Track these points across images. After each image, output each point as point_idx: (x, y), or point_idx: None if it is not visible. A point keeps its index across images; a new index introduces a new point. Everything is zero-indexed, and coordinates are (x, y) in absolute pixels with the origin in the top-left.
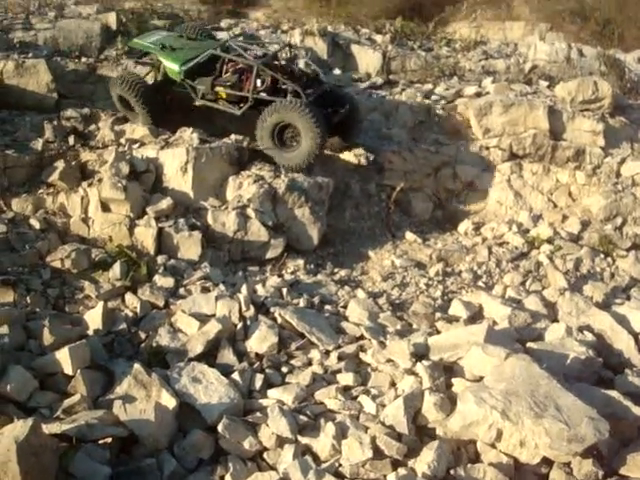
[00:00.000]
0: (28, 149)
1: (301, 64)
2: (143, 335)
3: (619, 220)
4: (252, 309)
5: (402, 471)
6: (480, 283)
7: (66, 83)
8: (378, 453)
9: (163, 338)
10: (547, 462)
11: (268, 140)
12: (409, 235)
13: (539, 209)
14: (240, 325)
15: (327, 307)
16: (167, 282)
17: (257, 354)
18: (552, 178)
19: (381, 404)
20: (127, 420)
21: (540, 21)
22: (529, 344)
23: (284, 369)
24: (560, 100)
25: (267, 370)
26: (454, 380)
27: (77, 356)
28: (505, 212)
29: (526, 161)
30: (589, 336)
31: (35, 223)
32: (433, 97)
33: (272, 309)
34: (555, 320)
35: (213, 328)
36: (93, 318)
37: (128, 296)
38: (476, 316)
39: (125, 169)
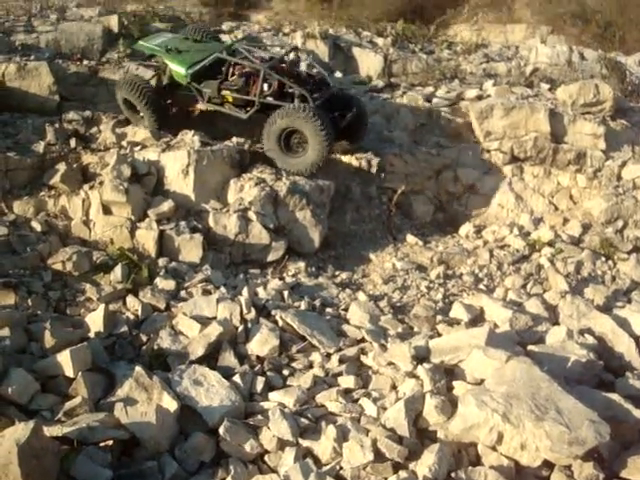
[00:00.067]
0: (30, 151)
1: (305, 67)
2: (144, 338)
3: (620, 223)
4: (253, 312)
5: (403, 474)
6: (481, 286)
7: (68, 86)
8: (379, 456)
9: (164, 341)
10: (548, 465)
11: (275, 145)
12: (410, 238)
13: (540, 212)
14: (241, 328)
15: (328, 310)
16: (168, 285)
17: (258, 357)
18: (553, 181)
19: (382, 407)
20: (128, 423)
21: (541, 24)
22: (530, 347)
23: (285, 372)
24: (561, 103)
25: (268, 373)
26: (455, 383)
27: (78, 359)
28: (506, 215)
29: (527, 164)
30: (590, 339)
31: (36, 225)
32: (434, 100)
33: (273, 312)
34: (556, 323)
35: (214, 331)
36: (94, 321)
37: (129, 299)
38: (477, 319)
39: (126, 172)
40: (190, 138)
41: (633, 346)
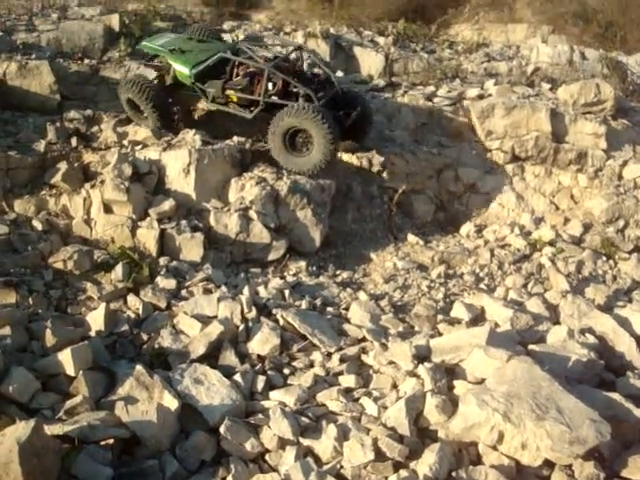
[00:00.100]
0: (31, 150)
1: (308, 66)
2: (145, 336)
3: (621, 223)
4: (254, 311)
5: (403, 473)
6: (482, 285)
7: (69, 85)
8: (380, 455)
9: (165, 340)
10: (549, 464)
11: (280, 145)
12: (411, 237)
13: (541, 211)
14: (242, 327)
15: (329, 309)
16: (169, 284)
17: (259, 356)
18: (554, 180)
19: (383, 406)
20: (129, 421)
21: (542, 24)
22: (531, 346)
23: (286, 371)
24: (562, 103)
25: (269, 372)
26: (456, 382)
27: (79, 357)
28: (507, 214)
29: (528, 163)
30: (591, 338)
31: (37, 224)
32: (435, 99)
33: (274, 311)
34: (557, 322)
35: (215, 330)
36: (95, 319)
37: (130, 297)
38: (478, 318)
39: (127, 171)
40: (191, 137)
41: (634, 345)
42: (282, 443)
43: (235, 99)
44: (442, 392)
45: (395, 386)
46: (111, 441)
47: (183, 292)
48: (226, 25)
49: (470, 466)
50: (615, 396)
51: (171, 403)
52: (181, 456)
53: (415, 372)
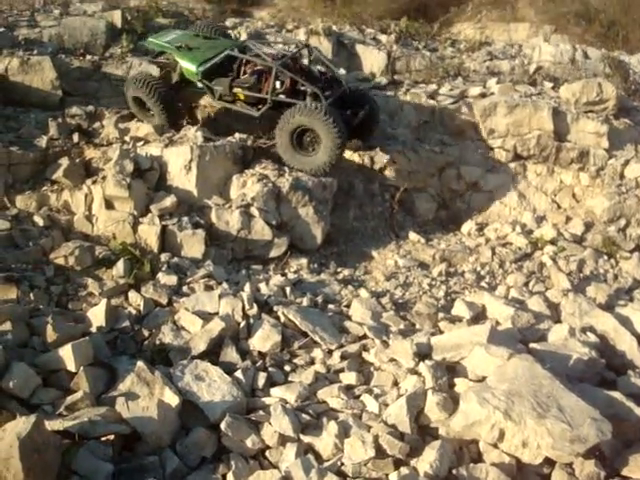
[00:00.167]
0: (32, 146)
1: (315, 64)
2: (146, 333)
3: (623, 222)
4: (255, 307)
5: (404, 470)
6: (483, 283)
7: (71, 80)
8: (380, 452)
9: (166, 336)
10: (549, 462)
11: (287, 143)
12: (412, 235)
13: (543, 210)
14: (243, 323)
15: (330, 306)
16: (170, 280)
17: (260, 352)
18: (556, 179)
19: (384, 403)
20: (130, 417)
21: (545, 23)
22: (532, 345)
23: (287, 368)
24: (564, 101)
25: (270, 369)
26: (457, 380)
27: (80, 353)
28: (509, 213)
29: (530, 162)
30: (592, 337)
31: (39, 220)
32: (438, 97)
33: (275, 308)
34: (558, 321)
35: (216, 326)
36: (96, 315)
37: (131, 294)
38: (479, 316)
39: (129, 167)
40: (193, 133)
41: (635, 344)
42: (283, 440)
43: (242, 97)
44: (443, 390)
45: (396, 383)
46: (112, 437)
47: (184, 288)
48: (228, 22)
49: (471, 464)
50: (616, 395)
51: (172, 399)
52: (181, 452)
53: (416, 370)
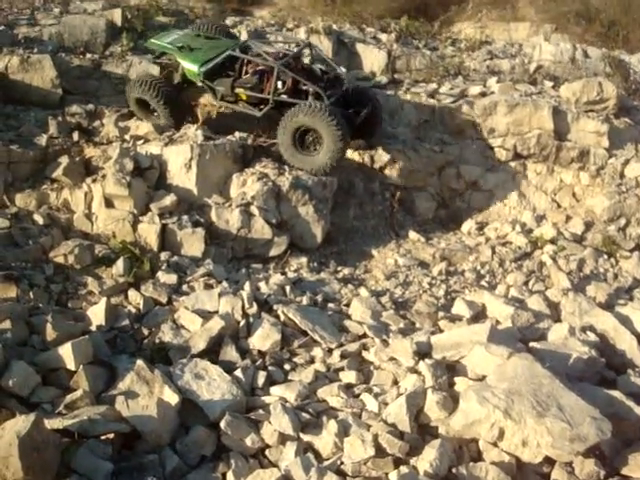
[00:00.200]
0: (32, 144)
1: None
2: (146, 331)
3: (623, 221)
4: (255, 306)
5: (404, 469)
6: (483, 283)
7: (71, 79)
8: (380, 451)
9: (166, 334)
10: (549, 461)
11: (289, 142)
12: (412, 234)
13: (543, 209)
14: (243, 322)
15: (330, 305)
16: (170, 279)
17: (260, 351)
18: (556, 178)
19: (383, 402)
20: (129, 416)
21: (545, 22)
22: (532, 344)
23: (287, 366)
24: (565, 101)
25: (270, 367)
26: (457, 379)
27: (80, 352)
28: (509, 212)
29: (530, 161)
30: (592, 336)
31: (38, 218)
32: (438, 96)
33: (275, 306)
34: (558, 320)
35: (216, 325)
36: (96, 314)
37: (131, 292)
38: (479, 315)
39: (129, 165)
40: (193, 132)
41: (635, 343)
42: (282, 438)
43: (245, 97)
44: (443, 389)
45: (396, 382)
46: (111, 435)
47: (184, 287)
48: (228, 21)
49: (470, 462)
50: (616, 394)
51: (171, 398)
52: (181, 451)
53: (416, 368)
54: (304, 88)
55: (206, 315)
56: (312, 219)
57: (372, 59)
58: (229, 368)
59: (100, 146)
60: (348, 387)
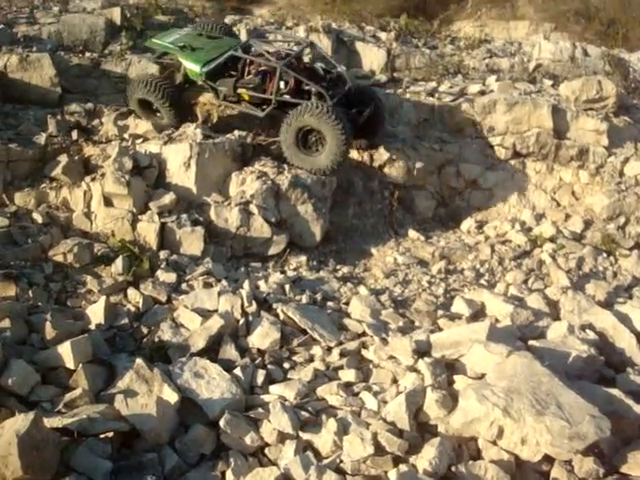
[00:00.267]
0: (31, 143)
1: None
2: (145, 330)
3: (622, 219)
4: (254, 305)
5: (403, 467)
6: (482, 281)
7: (70, 78)
8: (379, 449)
9: (165, 333)
10: (548, 460)
11: (291, 141)
12: (412, 233)
13: (542, 208)
14: (242, 321)
15: (329, 304)
16: (169, 277)
17: (259, 350)
18: (555, 177)
19: (383, 401)
20: (129, 415)
21: (544, 21)
22: (531, 342)
23: (286, 365)
24: (564, 99)
25: (269, 366)
26: (456, 377)
27: (79, 350)
28: (508, 210)
29: (530, 160)
30: (591, 334)
31: (38, 217)
32: (437, 95)
33: (274, 305)
34: (557, 318)
35: (215, 323)
36: (95, 313)
37: (130, 291)
38: (478, 314)
39: (128, 164)
40: (192, 131)
41: (634, 342)
42: (282, 437)
43: (247, 98)
44: (442, 387)
45: (395, 381)
46: (110, 434)
47: (183, 286)
48: (228, 19)
49: (470, 461)
50: (615, 392)
51: (171, 396)
52: (181, 449)
53: (415, 367)
54: (307, 88)
55: (205, 314)
56: (311, 218)
57: (371, 58)
58: (228, 367)
59: (99, 145)
60: (347, 385)
